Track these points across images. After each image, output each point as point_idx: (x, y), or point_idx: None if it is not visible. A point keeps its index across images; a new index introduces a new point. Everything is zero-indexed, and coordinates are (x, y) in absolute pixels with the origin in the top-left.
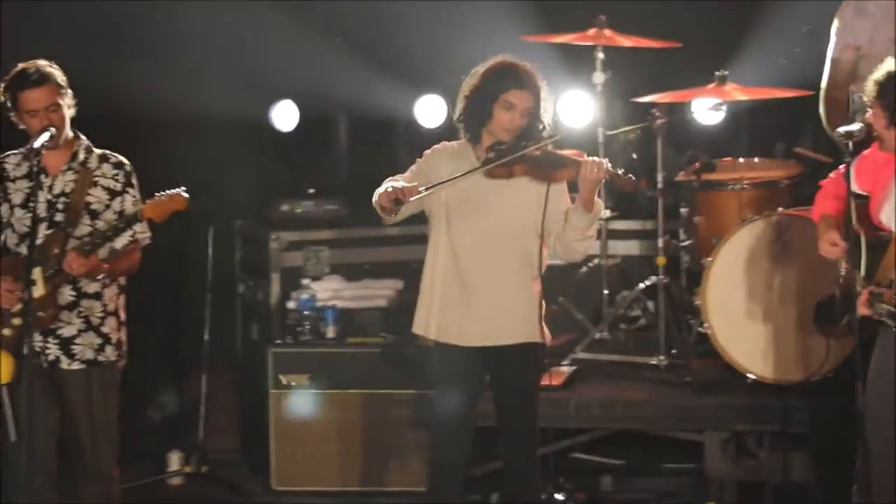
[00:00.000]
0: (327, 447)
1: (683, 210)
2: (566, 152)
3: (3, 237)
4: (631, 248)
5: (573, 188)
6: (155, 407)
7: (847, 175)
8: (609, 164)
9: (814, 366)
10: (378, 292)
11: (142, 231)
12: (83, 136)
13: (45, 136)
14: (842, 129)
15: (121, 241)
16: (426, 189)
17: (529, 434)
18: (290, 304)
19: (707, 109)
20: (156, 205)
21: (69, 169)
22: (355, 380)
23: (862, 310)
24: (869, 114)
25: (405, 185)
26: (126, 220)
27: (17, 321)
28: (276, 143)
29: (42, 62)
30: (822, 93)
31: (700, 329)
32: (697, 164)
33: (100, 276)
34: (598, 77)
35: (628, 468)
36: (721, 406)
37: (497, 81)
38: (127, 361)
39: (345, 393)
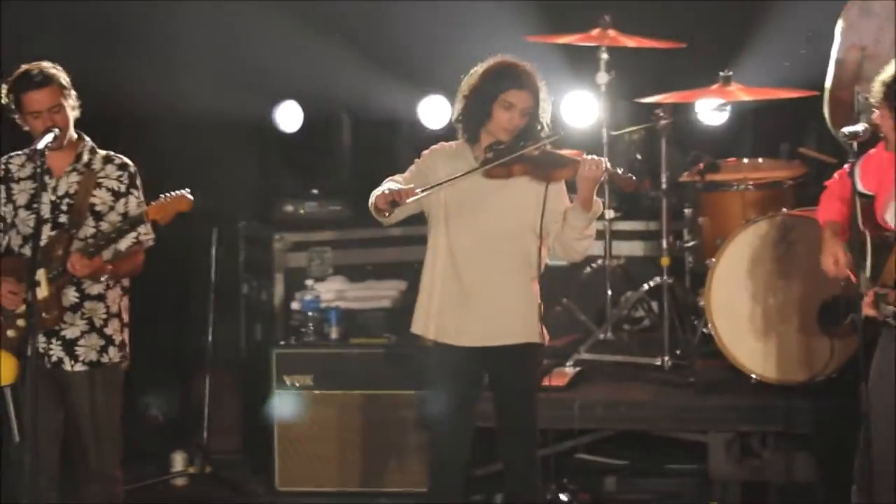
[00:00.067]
0: (330, 448)
1: (687, 211)
2: (565, 152)
3: (7, 238)
4: (635, 248)
5: (572, 188)
6: (158, 408)
7: (851, 174)
8: (608, 164)
9: (817, 366)
10: (381, 293)
11: (145, 232)
12: (87, 138)
13: (48, 138)
14: (846, 130)
15: (125, 243)
16: (423, 191)
17: (529, 434)
18: (294, 305)
19: (711, 110)
20: (160, 206)
21: (73, 170)
22: (358, 381)
23: (867, 311)
24: (876, 114)
25: (402, 186)
26: (130, 222)
27: (20, 322)
28: (279, 143)
29: (46, 63)
30: (826, 93)
31: (704, 330)
32: (701, 164)
33: (103, 278)
34: (602, 77)
35: (632, 469)
36: (725, 406)
37: (496, 81)
38: (130, 362)
39: (348, 394)
